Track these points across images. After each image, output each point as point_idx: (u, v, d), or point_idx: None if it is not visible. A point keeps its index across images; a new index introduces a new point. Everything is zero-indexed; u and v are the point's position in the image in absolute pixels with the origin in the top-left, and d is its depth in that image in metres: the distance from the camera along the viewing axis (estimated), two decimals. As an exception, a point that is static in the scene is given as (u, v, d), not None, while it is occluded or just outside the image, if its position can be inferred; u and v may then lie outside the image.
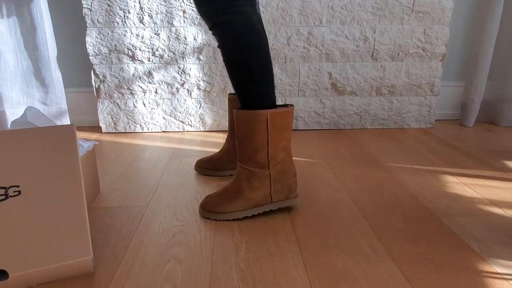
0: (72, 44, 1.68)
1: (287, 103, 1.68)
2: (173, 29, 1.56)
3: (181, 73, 1.62)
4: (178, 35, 1.57)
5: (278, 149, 0.89)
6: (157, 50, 1.58)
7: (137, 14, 1.54)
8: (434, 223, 0.91)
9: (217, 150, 1.45)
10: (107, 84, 1.61)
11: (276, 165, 0.90)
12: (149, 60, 1.60)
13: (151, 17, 1.54)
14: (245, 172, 0.91)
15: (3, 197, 0.66)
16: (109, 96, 1.63)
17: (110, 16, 1.53)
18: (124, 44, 1.57)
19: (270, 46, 1.60)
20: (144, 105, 1.65)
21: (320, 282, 0.70)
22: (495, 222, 0.91)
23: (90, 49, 1.56)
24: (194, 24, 1.56)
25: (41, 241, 0.67)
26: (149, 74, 1.61)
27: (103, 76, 1.60)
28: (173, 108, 1.66)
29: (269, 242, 0.83)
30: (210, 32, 1.22)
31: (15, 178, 0.67)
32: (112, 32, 1.55)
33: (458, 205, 1.00)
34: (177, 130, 1.70)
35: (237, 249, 0.80)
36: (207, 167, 1.19)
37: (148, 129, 1.69)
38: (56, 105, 1.61)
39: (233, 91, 1.63)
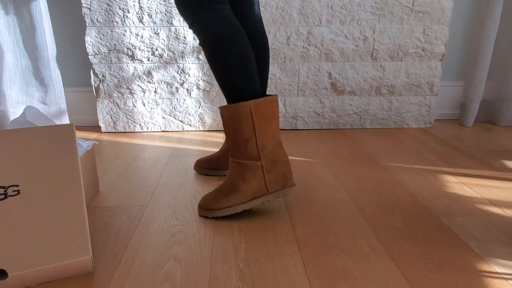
0: (72, 44, 1.68)
1: (285, 102, 1.68)
2: (172, 28, 1.56)
3: (181, 72, 1.62)
4: (177, 35, 1.57)
5: (267, 138, 0.89)
6: (156, 50, 1.58)
7: (137, 13, 1.53)
8: (433, 222, 0.91)
9: (216, 149, 1.45)
10: (107, 83, 1.61)
11: (267, 155, 0.90)
12: (148, 60, 1.60)
13: (151, 17, 1.54)
14: (237, 166, 0.91)
15: (2, 196, 0.66)
16: (108, 96, 1.63)
17: (109, 16, 1.53)
18: (124, 44, 1.57)
19: (270, 45, 1.60)
20: (144, 104, 1.65)
21: (320, 281, 0.70)
22: (494, 222, 0.91)
23: (89, 48, 1.56)
24: (194, 23, 1.56)
25: (40, 240, 0.67)
26: (149, 73, 1.61)
27: (103, 76, 1.60)
28: (173, 107, 1.66)
29: (268, 242, 0.83)
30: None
31: (14, 177, 0.67)
32: (112, 31, 1.55)
33: (457, 204, 1.00)
34: (177, 129, 1.70)
35: (236, 249, 0.80)
36: (207, 166, 1.19)
37: (147, 129, 1.69)
38: (55, 104, 1.61)
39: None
